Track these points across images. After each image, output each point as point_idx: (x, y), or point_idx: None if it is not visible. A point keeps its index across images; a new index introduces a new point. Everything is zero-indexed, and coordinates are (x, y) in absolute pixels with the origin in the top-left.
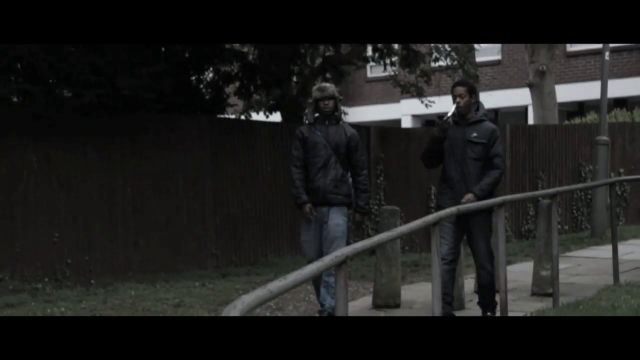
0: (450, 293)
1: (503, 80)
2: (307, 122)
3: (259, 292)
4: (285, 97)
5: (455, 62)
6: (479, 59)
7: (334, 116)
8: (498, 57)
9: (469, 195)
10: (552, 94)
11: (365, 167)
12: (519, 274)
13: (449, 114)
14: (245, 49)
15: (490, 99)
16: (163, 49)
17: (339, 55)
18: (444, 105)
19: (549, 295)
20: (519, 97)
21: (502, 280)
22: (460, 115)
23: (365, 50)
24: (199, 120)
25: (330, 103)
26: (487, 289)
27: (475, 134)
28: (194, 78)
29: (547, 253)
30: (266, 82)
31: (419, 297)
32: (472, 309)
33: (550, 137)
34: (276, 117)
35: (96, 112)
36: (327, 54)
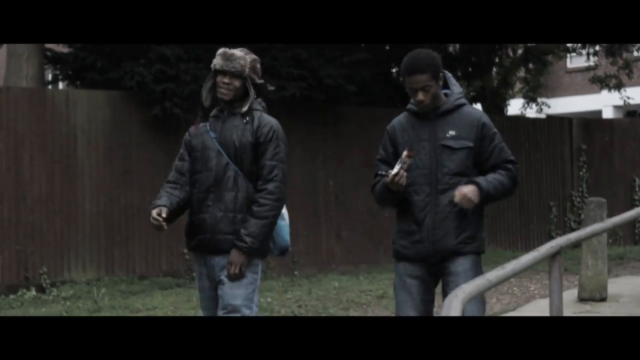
0: None
1: None
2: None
3: (478, 282)
4: (485, 88)
5: None
6: None
7: (237, 105)
8: None
9: None
10: None
11: (276, 179)
12: None
13: (393, 172)
14: None
15: None
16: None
17: (541, 45)
18: None
19: None
20: None
21: None
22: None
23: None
24: (400, 113)
25: (235, 84)
26: None
27: (452, 132)
28: (394, 70)
29: None
30: (467, 73)
31: (626, 290)
32: None
33: None
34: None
35: (299, 104)
36: (529, 44)
